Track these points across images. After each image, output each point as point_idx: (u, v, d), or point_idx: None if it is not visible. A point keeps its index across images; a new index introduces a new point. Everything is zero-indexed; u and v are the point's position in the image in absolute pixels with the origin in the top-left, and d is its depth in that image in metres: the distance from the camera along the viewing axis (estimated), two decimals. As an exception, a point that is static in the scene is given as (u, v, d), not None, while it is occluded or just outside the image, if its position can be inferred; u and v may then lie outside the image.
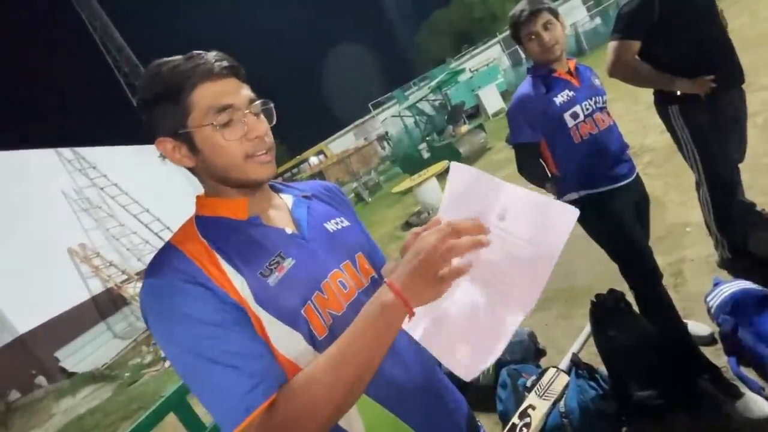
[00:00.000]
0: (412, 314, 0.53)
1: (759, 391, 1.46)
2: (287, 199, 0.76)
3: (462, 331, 0.55)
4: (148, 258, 9.99)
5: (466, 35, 33.58)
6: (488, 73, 16.64)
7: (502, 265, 0.49)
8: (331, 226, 0.74)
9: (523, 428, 1.62)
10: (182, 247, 0.62)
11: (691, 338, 1.62)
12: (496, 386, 1.94)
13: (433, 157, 9.72)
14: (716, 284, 1.84)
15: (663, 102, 1.88)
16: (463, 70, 14.53)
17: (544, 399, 1.70)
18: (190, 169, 0.68)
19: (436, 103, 12.83)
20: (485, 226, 0.52)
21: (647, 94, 1.98)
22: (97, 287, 9.76)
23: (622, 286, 1.68)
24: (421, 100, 12.34)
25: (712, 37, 1.73)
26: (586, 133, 1.54)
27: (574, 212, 0.45)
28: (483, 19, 33.54)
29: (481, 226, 0.52)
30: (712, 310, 1.77)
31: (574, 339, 2.15)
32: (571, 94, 1.53)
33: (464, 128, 9.77)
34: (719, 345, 1.71)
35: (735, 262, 2.00)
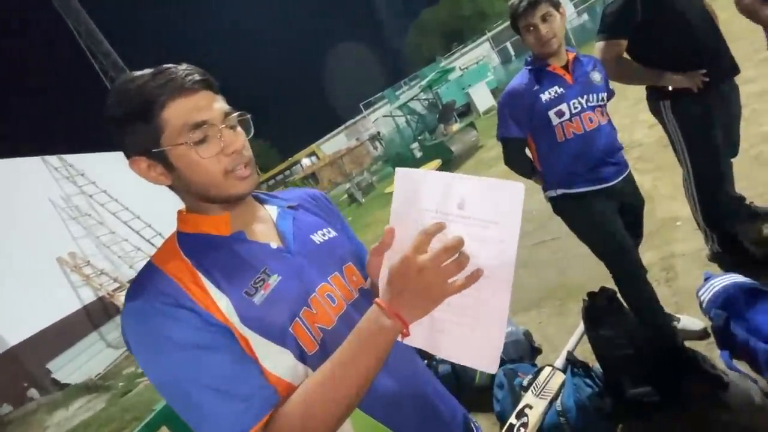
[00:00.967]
0: (407, 334, 0.54)
1: (752, 383, 1.47)
2: (272, 210, 0.74)
3: (460, 326, 0.56)
4: (140, 264, 9.91)
5: (455, 33, 33.68)
6: (478, 71, 16.71)
7: (472, 248, 0.51)
8: (318, 237, 0.72)
9: (521, 428, 1.61)
10: (164, 267, 0.60)
11: (676, 334, 1.63)
12: (492, 386, 1.94)
13: (426, 156, 9.74)
14: (707, 278, 1.84)
15: (655, 97, 1.88)
16: (453, 69, 14.57)
17: (540, 398, 1.70)
18: (169, 186, 0.66)
19: (427, 102, 12.85)
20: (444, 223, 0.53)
21: (634, 90, 1.99)
22: (88, 296, 9.62)
23: (613, 284, 1.69)
24: (412, 99, 12.37)
25: (701, 29, 1.72)
26: (570, 132, 1.52)
27: (520, 187, 0.51)
28: (472, 17, 33.67)
29: (441, 224, 0.52)
30: (704, 305, 1.77)
31: (568, 336, 2.15)
32: (560, 91, 1.51)
33: (455, 126, 9.81)
34: (712, 339, 1.72)
35: (725, 255, 2.02)
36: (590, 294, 1.73)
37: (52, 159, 11.07)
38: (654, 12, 1.66)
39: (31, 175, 10.24)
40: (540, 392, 1.72)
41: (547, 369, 1.80)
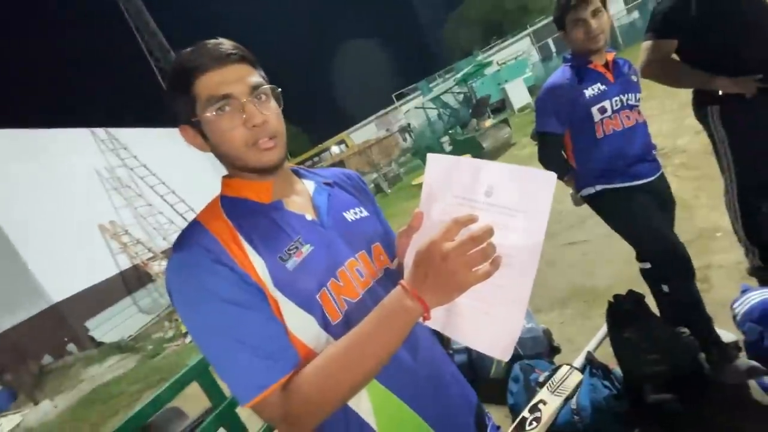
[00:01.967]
0: (428, 318, 0.55)
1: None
2: (309, 185, 0.77)
3: (479, 312, 0.56)
4: (172, 237, 10.37)
5: (495, 27, 32.76)
6: (516, 67, 16.26)
7: (498, 236, 0.51)
8: (350, 215, 0.75)
9: (533, 422, 1.62)
10: (208, 225, 0.64)
11: (719, 343, 1.58)
12: (507, 379, 1.95)
13: (455, 150, 9.62)
14: (744, 291, 1.78)
15: (702, 102, 1.80)
16: (490, 63, 14.24)
17: (556, 395, 1.70)
18: (214, 154, 0.70)
19: (462, 96, 12.64)
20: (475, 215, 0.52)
21: (683, 93, 1.91)
22: (124, 263, 10.18)
23: (643, 288, 1.65)
24: (445, 92, 12.19)
25: (760, 30, 1.62)
26: (610, 129, 1.51)
27: (552, 176, 0.50)
28: (514, 11, 32.60)
29: (472, 216, 0.52)
30: (738, 317, 1.71)
31: (590, 338, 2.12)
32: (603, 87, 1.51)
33: (488, 122, 9.61)
34: (743, 352, 1.66)
35: (766, 271, 1.93)
36: (617, 296, 1.70)
37: (100, 131, 11.71)
38: (710, 10, 1.58)
39: (80, 146, 10.87)
40: (556, 389, 1.72)
41: (565, 367, 1.79)
